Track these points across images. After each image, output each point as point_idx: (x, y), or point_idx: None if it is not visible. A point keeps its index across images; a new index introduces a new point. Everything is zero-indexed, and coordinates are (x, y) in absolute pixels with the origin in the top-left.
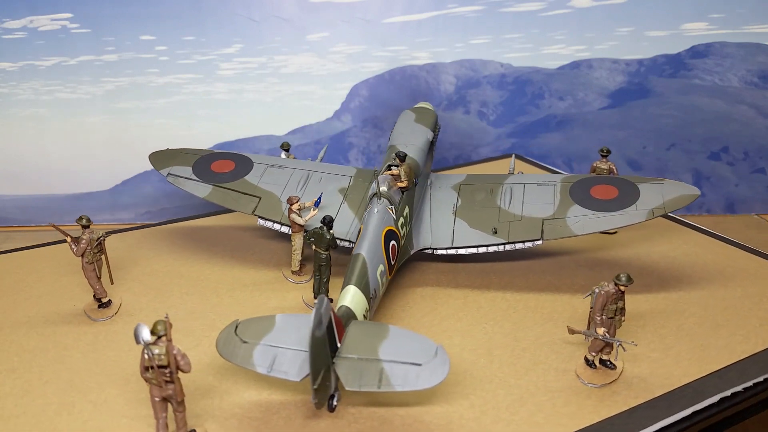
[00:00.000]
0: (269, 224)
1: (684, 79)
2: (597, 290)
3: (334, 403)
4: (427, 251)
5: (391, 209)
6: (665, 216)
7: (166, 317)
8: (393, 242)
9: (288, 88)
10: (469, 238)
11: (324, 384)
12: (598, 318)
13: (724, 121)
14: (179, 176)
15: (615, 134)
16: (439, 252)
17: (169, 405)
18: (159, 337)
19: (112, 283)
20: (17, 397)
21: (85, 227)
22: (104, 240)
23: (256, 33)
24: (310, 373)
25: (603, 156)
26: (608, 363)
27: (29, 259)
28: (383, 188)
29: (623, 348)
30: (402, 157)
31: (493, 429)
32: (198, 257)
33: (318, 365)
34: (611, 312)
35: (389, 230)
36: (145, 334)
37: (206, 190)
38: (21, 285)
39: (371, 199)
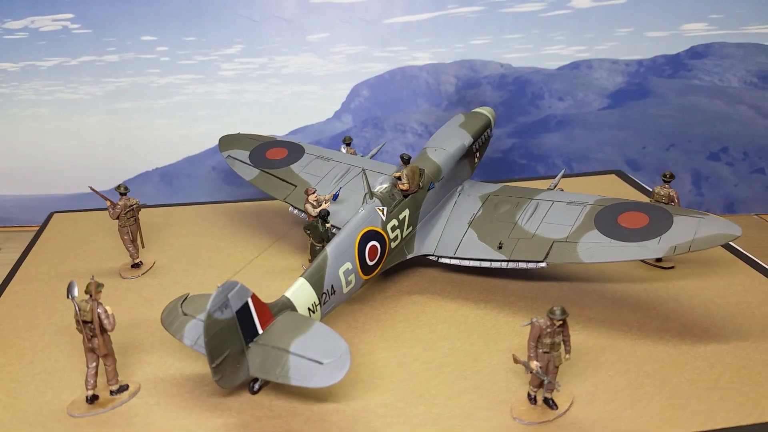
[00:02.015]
0: (296, 212)
1: (683, 80)
2: (534, 321)
3: (256, 387)
4: (431, 258)
5: (382, 210)
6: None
7: (92, 279)
8: (373, 243)
9: (288, 89)
10: (474, 251)
11: (233, 366)
12: (532, 352)
13: (724, 122)
14: (236, 159)
15: (615, 134)
16: (443, 260)
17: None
18: (90, 296)
19: (143, 246)
20: (53, 334)
21: (122, 194)
22: (137, 208)
23: (257, 33)
24: (207, 353)
25: (665, 181)
26: (550, 402)
27: (84, 221)
28: (380, 188)
29: (554, 387)
30: (406, 160)
31: None
32: (232, 237)
33: (218, 346)
34: (546, 346)
35: (370, 230)
36: (74, 291)
37: (253, 174)
38: (73, 242)
39: (364, 197)
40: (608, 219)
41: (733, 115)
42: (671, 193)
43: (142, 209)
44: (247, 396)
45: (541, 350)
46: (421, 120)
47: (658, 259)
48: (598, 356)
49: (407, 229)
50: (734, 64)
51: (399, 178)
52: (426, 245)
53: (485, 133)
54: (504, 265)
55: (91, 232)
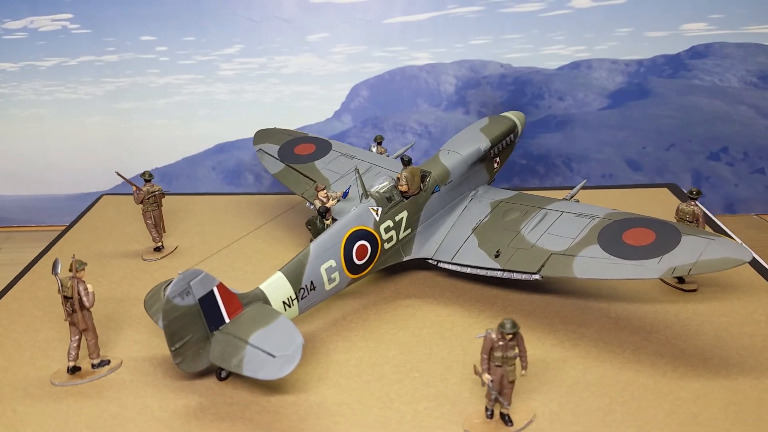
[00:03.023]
0: (312, 207)
1: (684, 80)
2: (487, 332)
3: (223, 374)
4: (430, 261)
5: (376, 210)
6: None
7: (74, 257)
8: (362, 242)
9: (288, 89)
10: (471, 257)
11: (195, 351)
12: (484, 364)
13: (724, 122)
14: (265, 152)
15: (615, 134)
16: (441, 265)
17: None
18: (74, 274)
19: (164, 231)
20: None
21: (146, 181)
22: (160, 195)
23: (257, 33)
24: (165, 336)
25: (691, 198)
26: (506, 417)
27: (127, 205)
28: (378, 188)
29: (500, 403)
30: (406, 162)
31: None
32: (251, 228)
33: (178, 331)
34: (498, 360)
35: (360, 230)
36: (58, 268)
37: (278, 167)
38: (110, 224)
39: (360, 197)
40: (613, 234)
41: (733, 115)
42: (696, 211)
43: (166, 196)
44: (213, 382)
45: (493, 363)
46: (421, 120)
47: (680, 280)
48: (577, 376)
49: (405, 231)
50: (734, 64)
51: (399, 179)
52: (426, 248)
53: (507, 139)
54: (499, 274)
55: (129, 216)
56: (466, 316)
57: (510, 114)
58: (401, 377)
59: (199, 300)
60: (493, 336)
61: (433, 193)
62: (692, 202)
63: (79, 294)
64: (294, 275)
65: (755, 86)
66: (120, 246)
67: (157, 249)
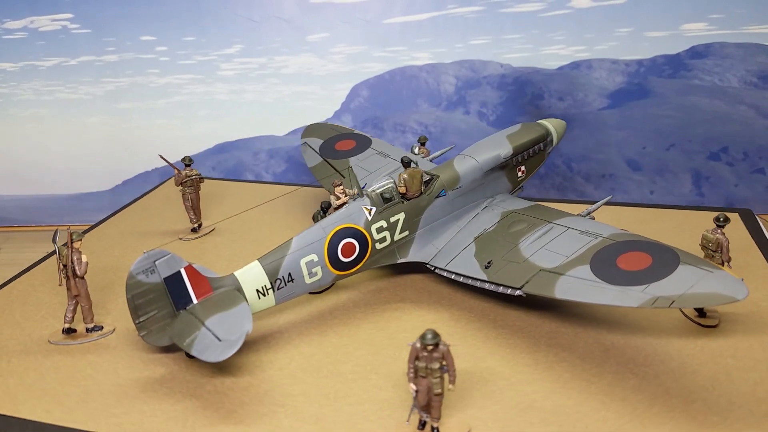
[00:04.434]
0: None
1: (683, 80)
2: (414, 342)
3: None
4: (428, 266)
5: (369, 210)
6: None
7: (68, 229)
8: (349, 240)
9: (288, 89)
10: (464, 265)
11: (160, 326)
12: (411, 373)
13: (724, 122)
14: (309, 146)
15: (615, 134)
16: (437, 271)
17: None
18: (69, 244)
19: (199, 215)
20: (94, 275)
21: (186, 165)
22: (197, 179)
23: (257, 33)
24: (129, 309)
25: (717, 225)
26: (436, 431)
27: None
28: (376, 187)
29: (421, 415)
30: (406, 163)
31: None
32: (285, 216)
33: (142, 305)
34: (422, 371)
35: (349, 228)
36: (56, 238)
37: (315, 161)
38: (165, 204)
39: (354, 195)
40: (608, 256)
41: (733, 115)
42: (720, 240)
43: (204, 180)
44: (183, 358)
45: (419, 374)
46: (421, 120)
47: (701, 314)
48: (535, 400)
49: (401, 233)
50: (734, 64)
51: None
52: (424, 252)
53: (536, 147)
54: (486, 285)
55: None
56: (451, 325)
57: (547, 122)
58: (357, 377)
59: (164, 279)
60: (418, 345)
61: (437, 197)
62: (719, 230)
63: (72, 263)
64: (271, 265)
65: (755, 86)
66: (163, 225)
67: (194, 230)
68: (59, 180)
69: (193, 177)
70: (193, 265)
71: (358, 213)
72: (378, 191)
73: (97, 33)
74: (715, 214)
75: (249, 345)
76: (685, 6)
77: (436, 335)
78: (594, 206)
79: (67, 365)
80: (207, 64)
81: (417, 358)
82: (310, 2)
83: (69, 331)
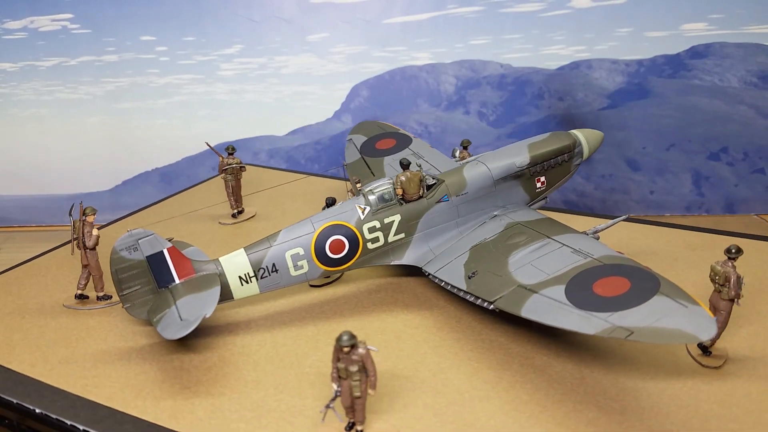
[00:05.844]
0: None
1: (683, 80)
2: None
3: None
4: (423, 271)
5: (362, 209)
6: None
7: (80, 203)
8: (339, 237)
9: (288, 89)
10: (450, 273)
11: (143, 300)
12: (333, 373)
13: (724, 122)
14: (353, 143)
15: (615, 134)
16: (429, 276)
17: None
18: (81, 217)
19: (240, 202)
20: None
21: (229, 154)
22: (237, 168)
23: (257, 33)
24: (113, 282)
25: (729, 257)
26: None
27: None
28: (374, 187)
29: (338, 417)
30: (405, 165)
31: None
32: (318, 209)
33: (125, 279)
34: (342, 372)
35: (339, 225)
36: (72, 211)
37: (354, 158)
38: (215, 189)
39: (348, 194)
40: (586, 279)
41: (733, 115)
42: (728, 273)
43: (246, 169)
44: None
45: (340, 375)
46: (421, 120)
47: (705, 351)
48: (473, 420)
49: (396, 235)
50: (734, 64)
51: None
52: (420, 256)
53: (560, 158)
54: (467, 296)
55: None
56: (432, 332)
57: (579, 132)
58: (312, 372)
59: (147, 257)
60: (337, 347)
61: (439, 202)
62: (729, 263)
63: (82, 234)
64: (255, 255)
65: (755, 86)
66: (206, 211)
67: (234, 215)
68: (59, 180)
69: (234, 165)
70: (191, 248)
71: (351, 211)
72: (375, 191)
73: (97, 33)
74: None
75: (230, 328)
76: (685, 6)
77: (352, 337)
78: (605, 225)
79: (68, 327)
80: (207, 64)
81: (338, 359)
82: (310, 2)
83: (81, 297)
